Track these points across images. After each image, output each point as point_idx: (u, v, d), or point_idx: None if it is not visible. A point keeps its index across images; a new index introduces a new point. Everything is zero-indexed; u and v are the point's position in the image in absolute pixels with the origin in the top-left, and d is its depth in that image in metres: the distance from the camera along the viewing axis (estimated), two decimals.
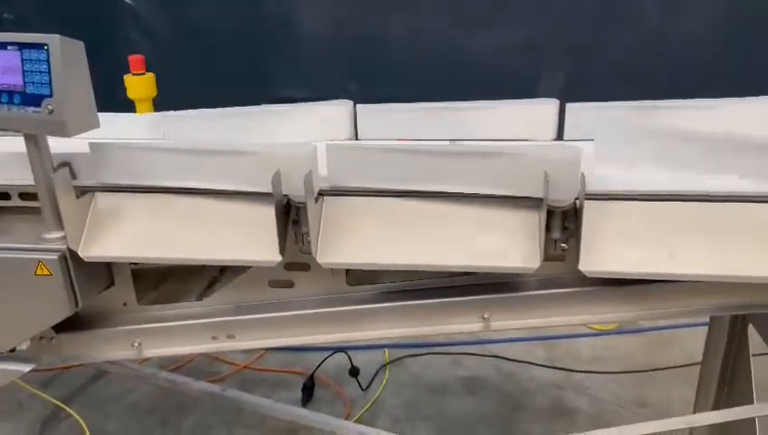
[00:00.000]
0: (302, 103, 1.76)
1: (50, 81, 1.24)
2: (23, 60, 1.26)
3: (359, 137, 1.72)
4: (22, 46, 1.25)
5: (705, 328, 1.99)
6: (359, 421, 2.65)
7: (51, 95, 1.25)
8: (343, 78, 3.79)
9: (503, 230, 1.27)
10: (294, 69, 3.86)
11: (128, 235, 1.40)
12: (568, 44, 3.62)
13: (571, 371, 2.97)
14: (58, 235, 1.40)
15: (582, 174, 1.19)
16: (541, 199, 1.23)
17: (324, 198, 1.35)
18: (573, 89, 3.51)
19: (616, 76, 3.37)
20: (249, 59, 3.81)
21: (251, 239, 1.35)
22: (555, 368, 2.99)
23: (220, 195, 1.39)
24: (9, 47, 1.26)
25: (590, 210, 1.20)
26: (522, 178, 1.24)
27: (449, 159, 1.31)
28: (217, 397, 2.41)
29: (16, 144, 1.40)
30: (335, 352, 2.98)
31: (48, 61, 1.23)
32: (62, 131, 1.27)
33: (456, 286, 1.41)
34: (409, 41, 3.78)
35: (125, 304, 1.56)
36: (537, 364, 3.03)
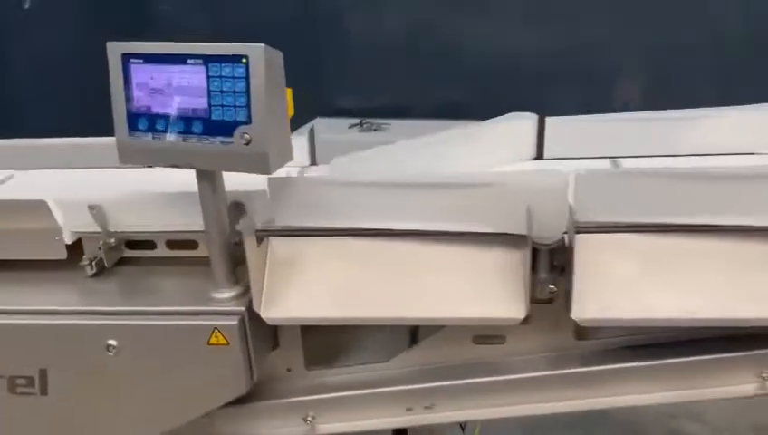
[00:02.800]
0: (474, 122, 1.50)
1: (248, 103, 0.97)
2: (209, 77, 0.98)
3: (544, 156, 1.46)
4: (209, 60, 0.97)
5: None
6: None
7: (248, 121, 0.98)
8: (401, 87, 3.53)
9: None
10: (349, 79, 3.59)
11: (318, 289, 1.13)
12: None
13: None
14: (231, 293, 1.13)
15: None
16: None
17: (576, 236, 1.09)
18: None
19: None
20: (302, 68, 3.53)
21: (479, 291, 1.09)
22: None
23: (435, 237, 1.13)
24: (190, 61, 0.99)
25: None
26: None
27: (728, 185, 1.07)
28: None
29: (144, 178, 1.12)
30: None
31: (247, 78, 0.96)
32: (262, 167, 0.99)
33: (722, 339, 1.16)
34: (469, 43, 3.53)
35: (289, 370, 1.29)
36: None
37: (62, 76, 3.13)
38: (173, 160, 1.03)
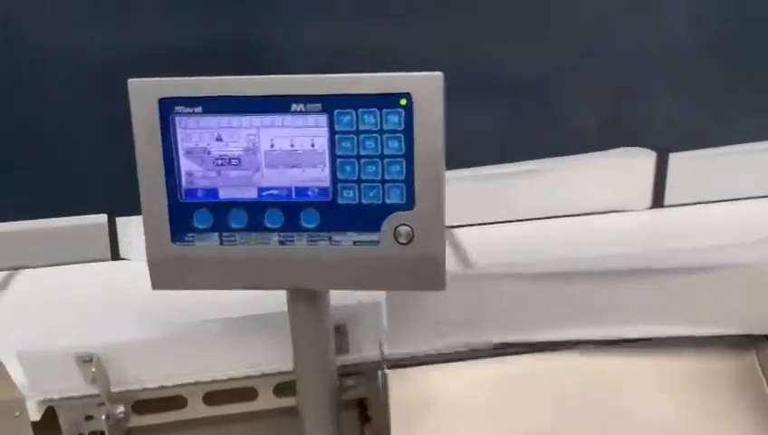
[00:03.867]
0: (569, 157, 1.17)
1: (409, 175, 0.57)
2: (334, 133, 0.57)
3: (666, 201, 1.16)
4: (334, 103, 0.56)
5: None
6: None
7: (408, 205, 0.57)
8: None
9: None
10: None
11: None
12: None
13: None
14: None
15: None
16: None
17: None
18: None
19: None
20: None
21: (712, 419, 0.76)
22: None
23: (630, 347, 0.78)
24: (297, 107, 0.57)
25: None
26: None
27: None
28: None
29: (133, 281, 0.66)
30: None
31: (408, 132, 0.56)
32: (433, 279, 0.58)
33: None
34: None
35: None
36: None
37: None
38: (264, 281, 0.59)
